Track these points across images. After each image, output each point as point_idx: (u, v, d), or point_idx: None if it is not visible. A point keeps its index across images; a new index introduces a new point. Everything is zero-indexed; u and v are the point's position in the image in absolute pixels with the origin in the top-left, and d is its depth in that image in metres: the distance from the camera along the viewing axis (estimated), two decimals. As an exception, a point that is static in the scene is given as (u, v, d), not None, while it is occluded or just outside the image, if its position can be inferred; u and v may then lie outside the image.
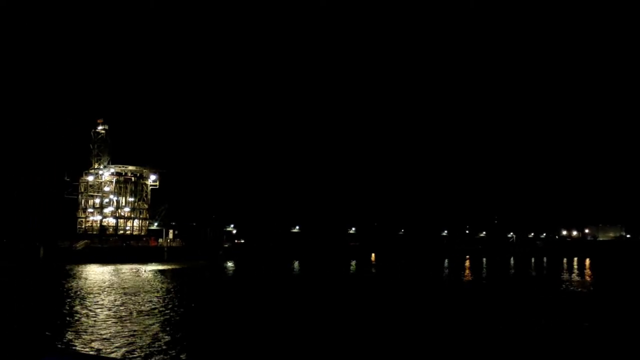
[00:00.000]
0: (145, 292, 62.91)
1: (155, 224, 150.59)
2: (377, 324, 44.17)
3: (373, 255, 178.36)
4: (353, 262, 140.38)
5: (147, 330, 38.97)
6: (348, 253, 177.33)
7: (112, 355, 32.35)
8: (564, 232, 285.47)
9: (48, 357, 11.29)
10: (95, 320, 42.52)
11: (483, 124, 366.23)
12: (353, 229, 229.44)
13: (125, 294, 60.25)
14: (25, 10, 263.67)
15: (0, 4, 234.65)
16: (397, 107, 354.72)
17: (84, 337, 36.68)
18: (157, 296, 58.92)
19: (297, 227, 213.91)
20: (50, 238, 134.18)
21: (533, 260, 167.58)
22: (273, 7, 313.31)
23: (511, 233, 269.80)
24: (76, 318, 43.95)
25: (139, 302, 53.26)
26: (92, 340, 35.68)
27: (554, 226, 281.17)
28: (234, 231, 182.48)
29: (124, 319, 43.53)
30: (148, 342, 35.38)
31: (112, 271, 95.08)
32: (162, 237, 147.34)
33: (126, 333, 37.88)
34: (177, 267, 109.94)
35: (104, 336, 36.89)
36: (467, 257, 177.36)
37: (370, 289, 76.24)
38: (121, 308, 49.21)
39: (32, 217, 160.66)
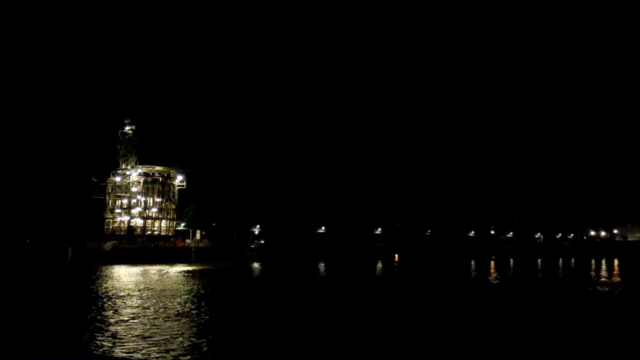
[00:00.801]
0: (175, 294, 62.35)
1: (182, 224, 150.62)
2: (395, 326, 43.46)
3: (396, 256, 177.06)
4: (379, 264, 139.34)
5: (176, 333, 38.31)
6: (374, 254, 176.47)
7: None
8: (592, 233, 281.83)
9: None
10: (126, 323, 41.95)
11: (512, 124, 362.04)
12: (379, 229, 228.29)
13: (155, 295, 59.72)
14: (52, 12, 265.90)
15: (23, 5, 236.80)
16: (421, 109, 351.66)
17: (113, 338, 36.26)
18: (187, 298, 58.26)
19: (323, 228, 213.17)
20: (78, 239, 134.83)
21: (561, 261, 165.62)
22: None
23: (538, 233, 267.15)
24: (107, 320, 43.43)
25: (170, 305, 52.70)
26: (123, 343, 35.24)
27: (581, 226, 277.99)
28: (256, 232, 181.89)
29: (154, 321, 42.94)
30: (176, 345, 34.84)
31: (141, 272, 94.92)
32: (189, 238, 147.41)
33: (156, 336, 37.32)
34: (205, 268, 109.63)
35: (134, 338, 36.42)
36: (493, 257, 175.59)
37: (395, 291, 75.11)
38: (151, 310, 48.62)
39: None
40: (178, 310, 49.00)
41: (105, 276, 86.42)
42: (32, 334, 39.21)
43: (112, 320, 43.46)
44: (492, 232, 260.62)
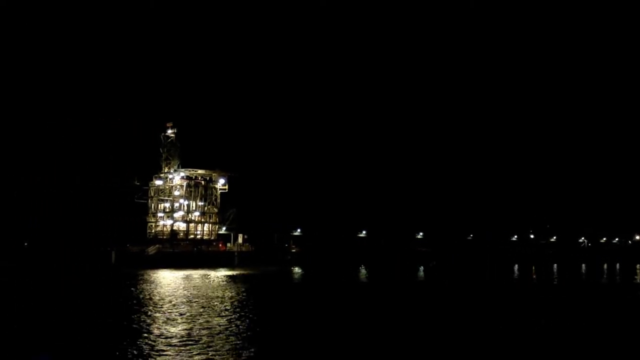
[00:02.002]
0: (225, 300, 60.88)
1: (224, 228, 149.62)
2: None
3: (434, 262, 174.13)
4: (421, 269, 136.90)
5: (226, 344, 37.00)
6: (416, 259, 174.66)
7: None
8: (638, 237, 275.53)
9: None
10: (174, 332, 40.45)
11: (556, 127, 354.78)
12: (421, 234, 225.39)
13: (206, 303, 58.17)
14: (94, 15, 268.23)
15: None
16: (465, 115, 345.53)
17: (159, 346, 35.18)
18: (238, 305, 56.58)
19: (364, 232, 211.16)
20: (121, 242, 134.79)
21: (605, 266, 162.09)
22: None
23: (582, 238, 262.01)
24: (154, 328, 41.98)
25: (216, 313, 51.14)
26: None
27: (627, 231, 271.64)
28: (296, 235, 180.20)
29: (203, 331, 41.25)
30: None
31: (186, 277, 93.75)
32: (230, 242, 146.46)
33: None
34: (249, 272, 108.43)
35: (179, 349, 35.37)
36: (536, 262, 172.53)
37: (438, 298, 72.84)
38: (202, 320, 46.99)
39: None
40: (227, 319, 47.39)
41: (150, 281, 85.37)
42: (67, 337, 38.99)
43: (159, 329, 41.96)
44: (534, 236, 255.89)
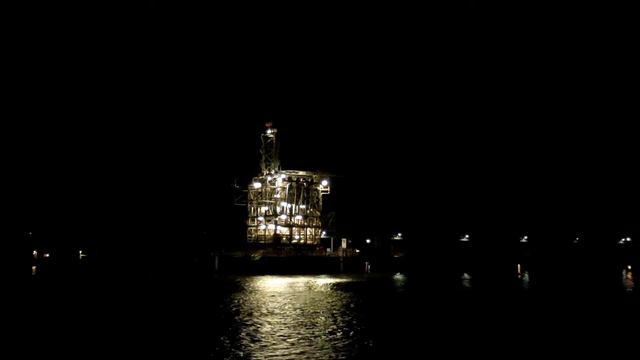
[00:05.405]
0: (339, 314, 54.05)
1: (324, 232, 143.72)
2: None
3: (519, 266, 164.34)
4: (526, 275, 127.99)
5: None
6: (521, 263, 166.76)
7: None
8: None
9: None
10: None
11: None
12: (525, 237, 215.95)
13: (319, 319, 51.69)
14: (194, 19, 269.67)
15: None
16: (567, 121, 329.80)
17: None
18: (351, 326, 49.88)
19: (467, 236, 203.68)
20: (223, 247, 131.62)
21: None
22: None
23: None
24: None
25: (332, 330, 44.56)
26: None
27: None
28: (397, 240, 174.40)
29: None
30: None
31: (300, 285, 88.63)
32: (329, 247, 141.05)
33: None
34: (354, 280, 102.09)
35: None
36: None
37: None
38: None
39: (184, 226, 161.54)
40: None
41: (262, 290, 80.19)
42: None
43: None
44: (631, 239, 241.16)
